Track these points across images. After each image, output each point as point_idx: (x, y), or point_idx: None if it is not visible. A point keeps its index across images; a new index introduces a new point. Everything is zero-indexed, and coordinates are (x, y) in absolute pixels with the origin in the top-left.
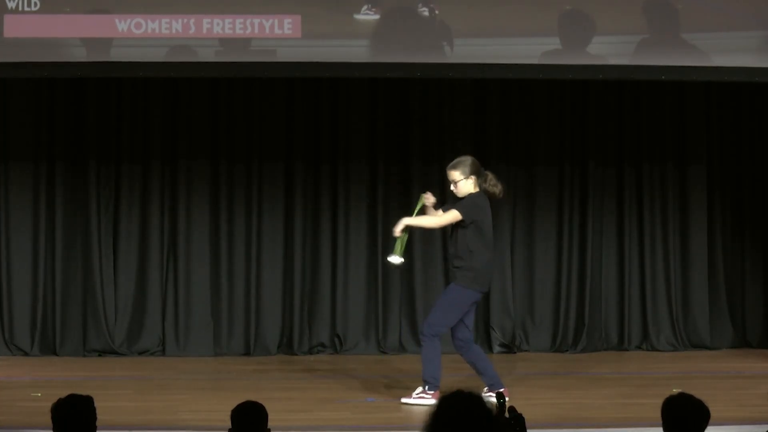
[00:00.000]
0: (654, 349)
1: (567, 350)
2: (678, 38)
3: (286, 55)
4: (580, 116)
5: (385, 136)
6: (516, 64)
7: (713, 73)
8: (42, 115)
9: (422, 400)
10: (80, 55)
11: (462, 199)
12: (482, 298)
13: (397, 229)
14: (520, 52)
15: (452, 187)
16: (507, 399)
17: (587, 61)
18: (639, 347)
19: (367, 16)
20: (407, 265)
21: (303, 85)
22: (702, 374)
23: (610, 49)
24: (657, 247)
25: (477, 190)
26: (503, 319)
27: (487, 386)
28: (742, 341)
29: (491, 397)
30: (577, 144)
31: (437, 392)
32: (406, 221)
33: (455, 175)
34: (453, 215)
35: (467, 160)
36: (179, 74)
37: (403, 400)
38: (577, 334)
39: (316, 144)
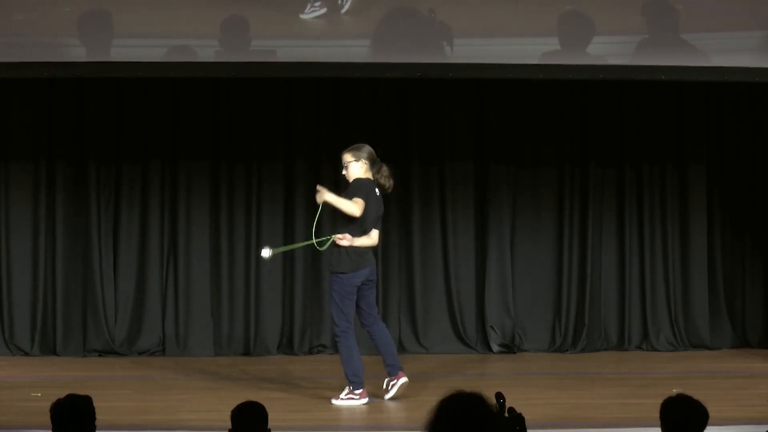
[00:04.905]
0: (654, 349)
1: (567, 350)
2: (678, 38)
3: (286, 55)
4: (580, 116)
5: (385, 136)
6: (516, 64)
7: (713, 73)
8: (42, 115)
9: (350, 401)
10: (80, 55)
11: (350, 184)
12: (366, 279)
13: (322, 198)
14: (520, 52)
15: (343, 171)
16: (406, 380)
17: (587, 61)
18: (639, 347)
19: (313, 13)
20: (407, 265)
21: (303, 85)
22: (702, 374)
23: (610, 49)
24: (657, 247)
25: (367, 176)
26: (503, 319)
27: (387, 373)
28: (742, 341)
29: (395, 385)
30: (578, 144)
31: (364, 390)
32: (328, 196)
33: (347, 156)
34: (361, 203)
35: (364, 146)
36: (179, 74)
37: (333, 401)
38: (577, 334)
39: (316, 144)
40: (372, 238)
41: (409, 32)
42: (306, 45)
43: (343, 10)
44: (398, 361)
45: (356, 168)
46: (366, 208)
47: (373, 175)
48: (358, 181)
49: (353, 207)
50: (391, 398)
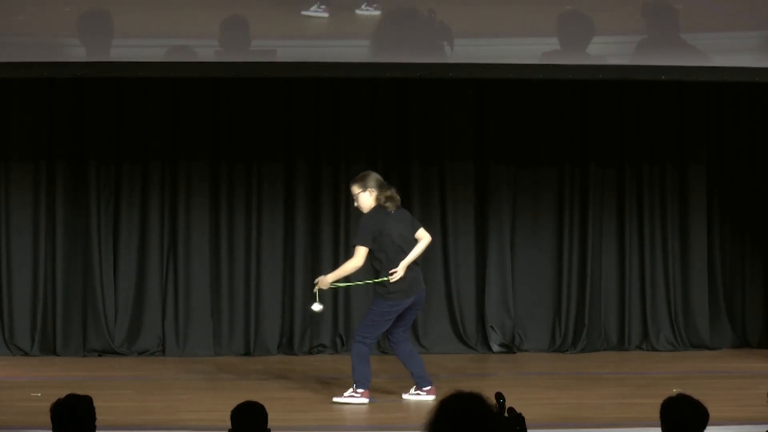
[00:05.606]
0: (654, 349)
1: (567, 350)
2: (678, 38)
3: (286, 55)
4: (580, 116)
5: (385, 136)
6: (516, 64)
7: (713, 73)
8: (42, 115)
9: (352, 398)
10: (80, 55)
11: (359, 224)
12: (412, 305)
13: (326, 283)
14: (520, 52)
15: (355, 203)
16: (433, 398)
17: (587, 61)
18: (639, 347)
19: (316, 13)
20: None
21: (303, 85)
22: (702, 374)
23: (610, 49)
24: (657, 247)
25: (377, 203)
26: (503, 319)
27: (415, 383)
28: (742, 341)
29: (419, 395)
30: (578, 144)
31: (366, 391)
32: (330, 279)
33: (354, 189)
34: (361, 252)
35: (369, 175)
36: (179, 74)
37: (335, 398)
38: (577, 334)
39: (316, 144)
40: (423, 240)
41: (409, 32)
42: (306, 45)
43: (367, 12)
44: (427, 375)
45: (365, 198)
46: (384, 237)
47: (377, 197)
48: (363, 219)
49: (353, 263)
50: (405, 398)
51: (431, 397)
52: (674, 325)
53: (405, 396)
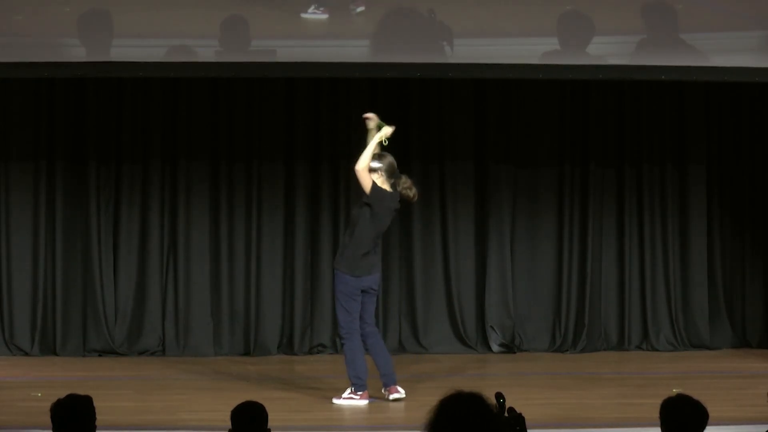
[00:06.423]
0: (654, 349)
1: (567, 350)
2: (677, 38)
3: (286, 55)
4: (580, 116)
5: None
6: (516, 64)
7: (713, 73)
8: (42, 115)
9: (351, 401)
10: (80, 55)
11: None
12: (369, 287)
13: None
14: (520, 52)
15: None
16: (401, 394)
17: (587, 61)
18: (639, 347)
19: (315, 15)
20: (407, 266)
21: (303, 85)
22: (702, 374)
23: (610, 49)
24: (657, 247)
25: (384, 187)
26: (503, 319)
27: (382, 384)
28: (742, 341)
29: (390, 395)
30: (578, 144)
31: (365, 392)
32: (373, 140)
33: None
34: (369, 179)
35: (387, 156)
36: (179, 74)
37: (334, 400)
38: (577, 334)
39: (316, 144)
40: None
41: (409, 32)
42: (306, 45)
43: (356, 11)
44: (393, 373)
45: (370, 174)
46: (379, 216)
47: (391, 186)
48: (380, 187)
49: (365, 163)
50: (404, 398)
51: (396, 395)
52: (674, 325)
53: (394, 395)
